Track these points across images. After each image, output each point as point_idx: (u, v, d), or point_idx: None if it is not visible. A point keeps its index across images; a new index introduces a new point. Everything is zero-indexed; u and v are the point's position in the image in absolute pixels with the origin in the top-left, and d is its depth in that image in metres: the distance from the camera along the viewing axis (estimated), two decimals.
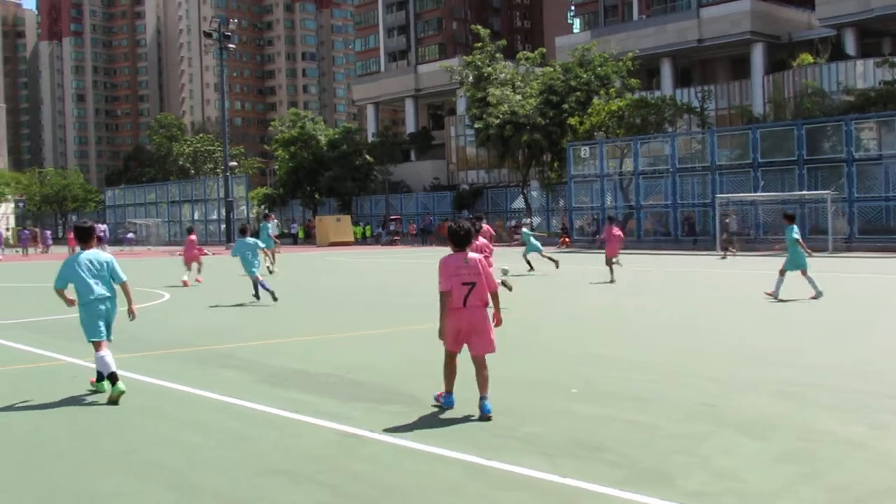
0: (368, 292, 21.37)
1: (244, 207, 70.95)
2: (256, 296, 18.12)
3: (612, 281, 22.10)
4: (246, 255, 18.24)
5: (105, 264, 8.77)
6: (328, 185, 74.78)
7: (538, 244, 26.46)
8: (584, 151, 50.99)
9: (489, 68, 62.87)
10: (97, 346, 8.56)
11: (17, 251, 56.00)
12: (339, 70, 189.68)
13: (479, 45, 63.91)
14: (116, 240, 64.03)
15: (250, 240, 18.61)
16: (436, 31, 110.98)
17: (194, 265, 25.21)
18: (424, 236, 64.28)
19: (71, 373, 9.97)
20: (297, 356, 10.97)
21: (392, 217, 69.97)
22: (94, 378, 8.82)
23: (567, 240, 50.13)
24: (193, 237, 26.38)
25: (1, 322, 15.44)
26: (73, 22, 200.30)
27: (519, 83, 62.27)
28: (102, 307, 8.69)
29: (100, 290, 8.66)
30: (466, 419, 7.28)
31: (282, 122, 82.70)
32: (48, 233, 63.71)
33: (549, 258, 26.82)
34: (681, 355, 10.79)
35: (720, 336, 12.56)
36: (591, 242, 49.88)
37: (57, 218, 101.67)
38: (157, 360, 10.69)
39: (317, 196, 77.89)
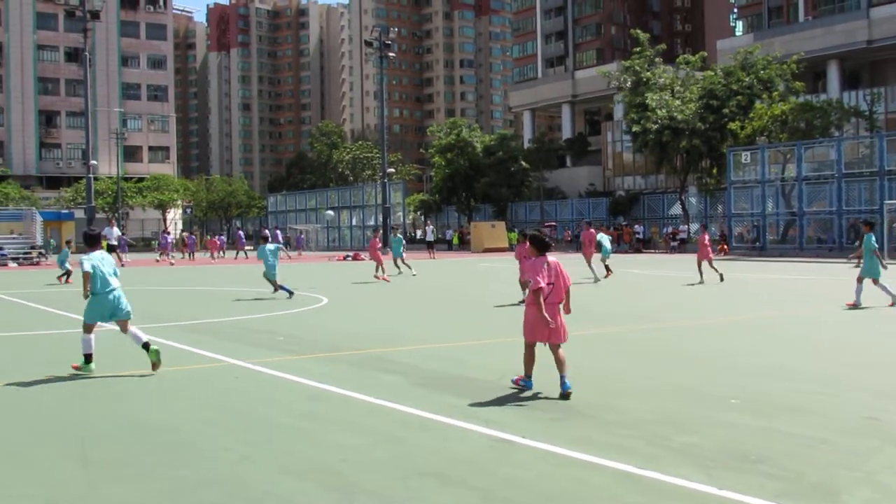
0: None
1: (401, 213, 72.25)
2: (279, 289, 21.42)
3: (701, 282, 24.97)
4: (267, 258, 21.50)
5: (111, 263, 10.56)
6: (483, 192, 75.26)
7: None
8: (745, 157, 49.70)
9: (648, 73, 62.02)
10: (89, 328, 10.30)
11: (181, 255, 58.41)
12: (496, 77, 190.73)
13: (638, 49, 63.13)
14: (286, 242, 65.94)
15: (271, 246, 21.83)
16: (594, 36, 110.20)
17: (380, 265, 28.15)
18: (579, 243, 63.88)
19: (233, 373, 10.38)
20: (450, 361, 11.10)
21: (547, 223, 69.84)
22: (77, 364, 10.36)
23: (725, 247, 48.95)
24: (377, 240, 30.20)
25: (165, 324, 16.16)
26: (240, 33, 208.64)
27: (678, 88, 61.19)
28: (112, 297, 10.32)
29: (113, 282, 10.37)
30: (621, 427, 7.22)
31: (439, 129, 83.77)
32: (222, 237, 65.35)
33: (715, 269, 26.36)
34: (841, 366, 10.39)
35: (885, 347, 12.00)
36: (751, 249, 48.53)
37: (222, 223, 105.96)
38: (317, 363, 11.00)
39: (472, 202, 78.51)
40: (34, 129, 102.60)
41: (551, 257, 8.81)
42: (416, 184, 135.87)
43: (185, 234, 68.83)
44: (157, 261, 50.05)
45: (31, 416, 8.07)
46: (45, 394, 9.20)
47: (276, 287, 21.52)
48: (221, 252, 56.86)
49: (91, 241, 10.71)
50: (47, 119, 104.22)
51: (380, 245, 30.60)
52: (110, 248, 46.85)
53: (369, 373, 10.16)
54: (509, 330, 14.28)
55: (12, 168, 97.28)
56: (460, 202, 79.38)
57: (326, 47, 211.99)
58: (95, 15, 58.03)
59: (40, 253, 50.82)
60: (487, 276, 32.80)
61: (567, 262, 10.10)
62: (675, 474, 5.84)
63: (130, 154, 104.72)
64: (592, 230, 27.59)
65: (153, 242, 71.43)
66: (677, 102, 58.69)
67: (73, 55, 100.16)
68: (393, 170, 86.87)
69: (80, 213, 71.68)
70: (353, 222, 77.34)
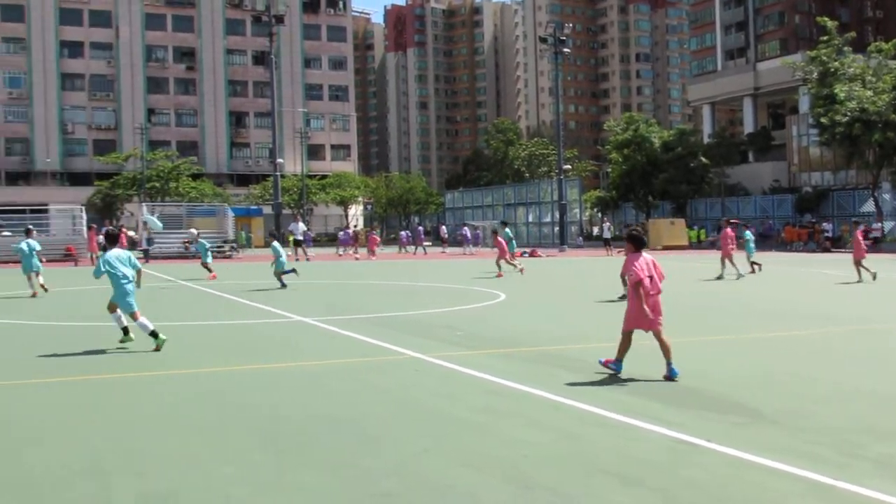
0: (705, 298, 20.88)
1: (577, 210, 71.77)
2: (298, 270, 25.76)
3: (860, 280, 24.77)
4: (280, 256, 24.59)
5: (128, 258, 12.27)
6: (662, 188, 73.81)
7: None
8: None
9: (836, 63, 59.27)
10: (134, 315, 12.00)
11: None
12: (673, 70, 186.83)
13: (825, 38, 60.40)
14: (455, 240, 66.62)
15: (278, 245, 25.07)
16: (777, 25, 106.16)
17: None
18: (763, 241, 61.74)
19: (413, 367, 10.58)
20: (629, 360, 10.96)
21: (731, 220, 67.71)
22: (120, 337, 12.29)
23: None
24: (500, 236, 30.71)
25: (348, 317, 16.60)
26: (416, 33, 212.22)
27: (870, 78, 58.18)
28: (130, 286, 12.07)
29: (129, 273, 12.11)
30: (810, 433, 6.96)
31: (615, 125, 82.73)
32: (404, 233, 66.32)
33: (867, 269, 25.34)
34: None
35: None
36: None
37: (401, 220, 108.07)
38: (495, 359, 11.08)
39: (650, 199, 77.18)
40: (225, 130, 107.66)
41: (647, 254, 9.83)
42: (593, 180, 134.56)
43: (363, 230, 70.63)
44: (339, 255, 51.57)
45: (229, 402, 8.47)
46: (244, 381, 9.63)
47: (282, 280, 24.43)
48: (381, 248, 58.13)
49: (110, 240, 12.53)
50: (237, 120, 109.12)
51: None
52: (296, 243, 48.76)
53: (547, 369, 10.16)
54: (693, 328, 13.96)
55: (206, 167, 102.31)
56: (638, 199, 78.11)
57: (501, 45, 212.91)
58: (280, 19, 60.28)
59: (232, 247, 53.28)
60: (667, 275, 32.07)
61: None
62: (871, 486, 5.57)
63: (314, 152, 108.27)
64: (729, 229, 28.62)
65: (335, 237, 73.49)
66: (869, 93, 55.83)
67: (260, 58, 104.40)
68: (569, 166, 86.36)
69: (268, 209, 74.62)
70: (530, 219, 77.36)
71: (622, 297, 19.52)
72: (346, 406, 8.25)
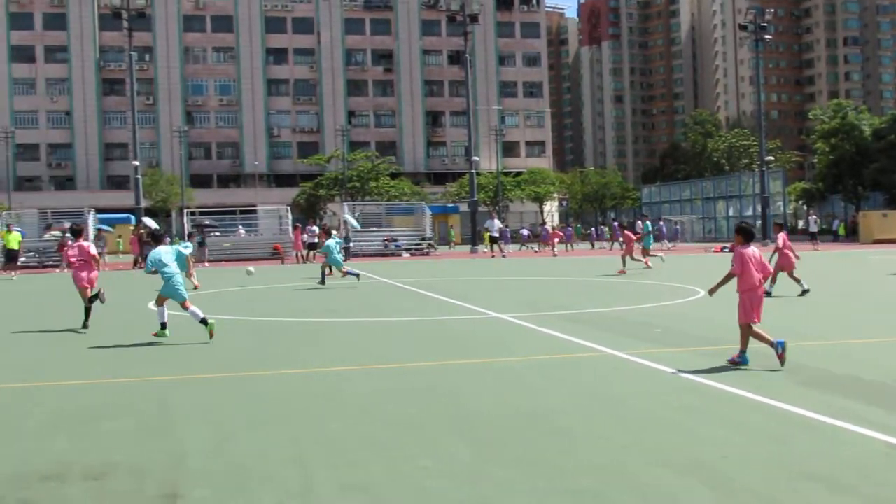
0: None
1: (780, 203, 69.07)
2: (346, 275, 25.10)
3: None
4: (334, 251, 24.99)
5: (175, 252, 13.59)
6: (873, 179, 69.96)
7: None
8: None
9: None
10: (185, 305, 13.15)
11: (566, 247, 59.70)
12: (885, 53, 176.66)
13: None
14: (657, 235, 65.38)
15: (331, 241, 25.49)
16: None
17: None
18: None
19: (611, 364, 10.48)
20: (839, 359, 10.47)
21: None
22: (161, 327, 13.29)
23: None
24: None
25: (543, 313, 16.60)
26: (610, 26, 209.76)
27: None
28: (178, 278, 13.28)
29: (176, 269, 13.34)
30: None
31: (822, 113, 79.03)
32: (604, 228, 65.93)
33: None
34: None
35: None
36: None
37: (596, 215, 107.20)
38: (694, 356, 10.83)
39: (860, 190, 73.31)
40: (422, 129, 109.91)
41: (754, 248, 10.07)
42: (797, 172, 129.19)
43: (557, 226, 70.44)
44: (536, 251, 51.68)
45: (428, 396, 8.65)
46: (443, 376, 9.82)
47: (343, 273, 25.08)
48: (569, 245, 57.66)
49: (156, 239, 14.27)
50: (433, 119, 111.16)
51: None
52: (492, 240, 49.20)
53: (748, 368, 9.83)
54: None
55: (404, 166, 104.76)
56: (846, 190, 74.39)
57: (698, 34, 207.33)
58: (474, 18, 60.94)
59: (430, 244, 54.34)
60: (880, 269, 30.43)
61: None
62: None
63: (508, 149, 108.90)
64: None
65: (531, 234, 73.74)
66: None
67: (455, 58, 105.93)
68: (772, 158, 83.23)
69: (464, 207, 75.66)
70: (730, 213, 75.04)
71: (804, 293, 18.72)
72: (543, 402, 8.26)
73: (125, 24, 55.91)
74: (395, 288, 24.73)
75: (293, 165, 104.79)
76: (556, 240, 50.47)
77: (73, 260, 15.76)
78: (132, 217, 59.26)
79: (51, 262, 44.87)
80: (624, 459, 6.21)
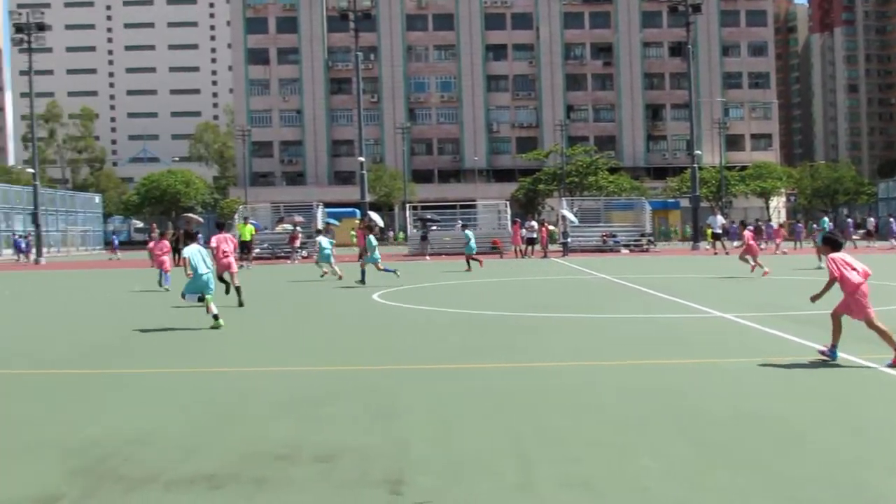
0: None
1: None
2: (385, 271, 26.01)
3: None
4: (374, 249, 25.46)
5: (206, 252, 15.07)
6: None
7: None
8: None
9: None
10: (184, 296, 14.86)
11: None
12: None
13: None
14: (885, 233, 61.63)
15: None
16: None
17: None
18: None
19: (846, 371, 9.93)
20: None
21: None
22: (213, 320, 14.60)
23: None
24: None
25: (768, 314, 15.96)
26: (844, 11, 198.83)
27: None
28: (205, 278, 14.68)
29: (204, 268, 14.67)
30: None
31: None
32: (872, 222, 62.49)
33: None
34: None
35: None
36: None
37: (828, 212, 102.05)
38: None
39: None
40: (642, 123, 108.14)
41: (844, 253, 10.42)
42: None
43: (784, 223, 67.64)
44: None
45: (651, 395, 8.49)
46: (663, 375, 9.62)
47: (379, 269, 25.94)
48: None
49: (188, 238, 15.35)
50: (653, 113, 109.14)
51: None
52: (714, 237, 47.75)
53: None
54: None
55: (623, 160, 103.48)
56: None
57: None
58: (697, 8, 59.25)
59: (649, 241, 53.42)
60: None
61: None
62: None
63: (732, 143, 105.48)
64: None
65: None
66: None
67: (676, 49, 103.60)
68: None
69: (685, 202, 73.91)
70: None
71: None
72: (771, 405, 7.92)
73: (351, 25, 57.97)
74: (613, 284, 24.47)
75: (512, 161, 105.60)
76: (779, 239, 48.43)
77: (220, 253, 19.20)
78: (358, 211, 61.50)
79: (282, 254, 47.19)
80: (856, 470, 5.86)
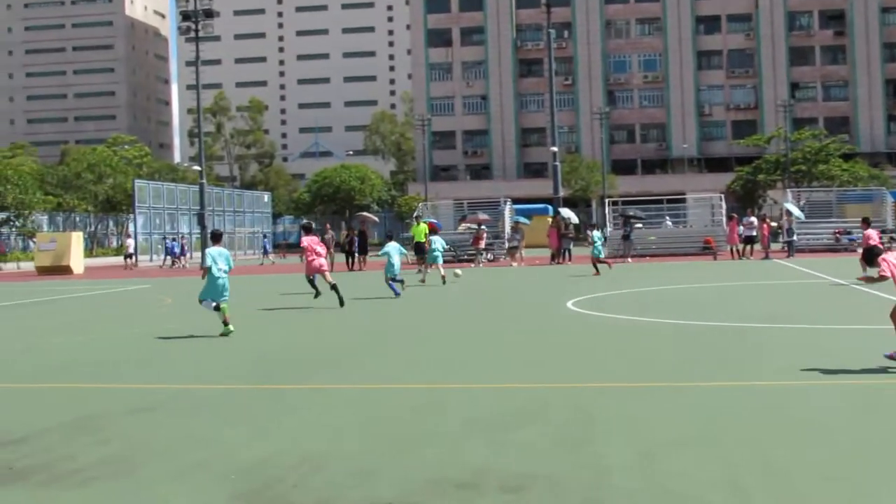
0: None
1: None
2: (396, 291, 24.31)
3: None
4: (392, 258, 24.29)
5: (225, 255, 16.04)
6: None
7: None
8: None
9: None
10: (218, 306, 15.69)
11: None
12: None
13: None
14: None
15: (395, 244, 25.15)
16: None
17: None
18: None
19: None
20: None
21: None
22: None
23: None
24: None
25: None
26: None
27: None
28: (221, 281, 15.75)
29: (219, 271, 15.72)
30: None
31: None
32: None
33: None
34: None
35: None
36: None
37: None
38: None
39: None
40: (881, 102, 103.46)
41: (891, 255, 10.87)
42: None
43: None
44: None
45: (887, 419, 8.14)
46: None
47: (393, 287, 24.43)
48: None
49: (214, 238, 16.43)
50: (894, 89, 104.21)
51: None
52: None
53: None
54: None
55: (859, 145, 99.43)
56: None
57: None
58: None
59: (892, 238, 50.96)
60: None
61: None
62: None
63: None
64: None
65: None
66: None
67: None
68: None
69: None
70: None
71: None
72: None
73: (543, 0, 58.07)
74: (849, 291, 23.50)
75: (727, 147, 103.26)
76: None
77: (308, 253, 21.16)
78: (550, 207, 61.55)
79: (465, 256, 47.37)
80: None
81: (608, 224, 53.66)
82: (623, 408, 8.96)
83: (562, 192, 57.67)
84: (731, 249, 45.43)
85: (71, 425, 8.65)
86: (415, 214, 48.79)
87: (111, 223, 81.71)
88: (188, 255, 58.15)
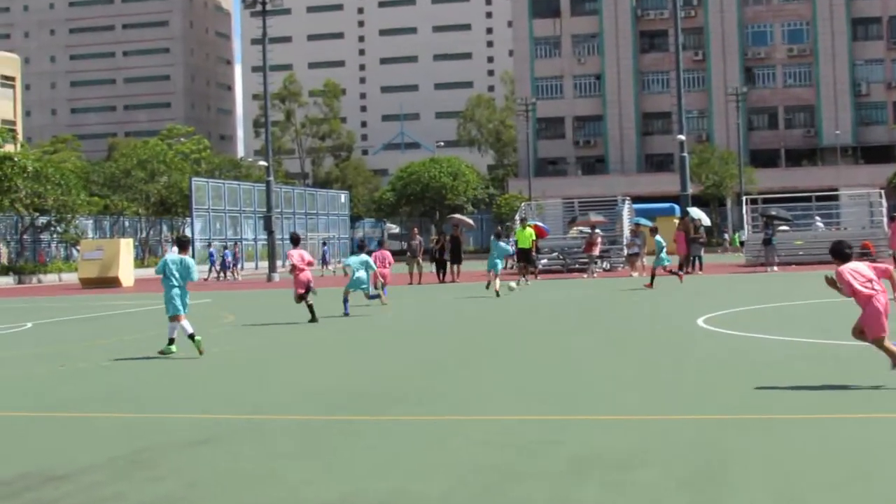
0: None
1: None
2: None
3: None
4: (356, 272, 25.66)
5: (186, 264, 17.38)
6: None
7: None
8: None
9: None
10: (174, 318, 17.02)
11: None
12: None
13: None
14: None
15: (363, 256, 26.34)
16: None
17: None
18: None
19: None
20: None
21: None
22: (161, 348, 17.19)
23: None
24: None
25: None
26: None
27: None
28: (176, 290, 17.15)
29: (175, 281, 17.17)
30: None
31: None
32: None
33: None
34: None
35: None
36: None
37: None
38: None
39: None
40: None
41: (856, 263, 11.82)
42: None
43: None
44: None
45: None
46: None
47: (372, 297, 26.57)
48: None
49: (180, 245, 18.36)
50: None
51: None
52: None
53: None
54: None
55: None
56: None
57: None
58: None
59: None
60: None
61: None
62: None
63: None
64: None
65: None
66: None
67: None
68: None
69: None
70: None
71: None
72: None
73: None
74: None
75: (888, 134, 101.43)
76: None
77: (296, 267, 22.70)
78: (676, 207, 61.09)
79: (577, 266, 47.11)
80: None
81: (746, 226, 53.02)
82: (761, 443, 8.88)
83: (690, 189, 57.21)
84: (893, 255, 44.48)
85: (120, 460, 8.84)
86: (518, 217, 48.84)
87: (165, 228, 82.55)
88: (240, 265, 58.50)
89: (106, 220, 75.50)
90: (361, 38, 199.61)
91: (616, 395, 12.06)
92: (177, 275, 17.25)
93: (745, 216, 54.14)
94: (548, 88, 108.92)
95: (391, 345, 18.82)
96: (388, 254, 31.73)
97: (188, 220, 68.57)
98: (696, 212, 52.21)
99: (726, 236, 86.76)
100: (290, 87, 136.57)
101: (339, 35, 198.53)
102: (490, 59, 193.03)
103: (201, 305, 31.85)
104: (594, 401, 11.67)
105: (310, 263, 23.65)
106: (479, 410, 11.17)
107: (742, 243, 57.72)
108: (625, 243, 47.91)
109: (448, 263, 42.91)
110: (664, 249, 33.69)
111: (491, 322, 22.74)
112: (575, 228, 51.66)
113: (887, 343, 11.37)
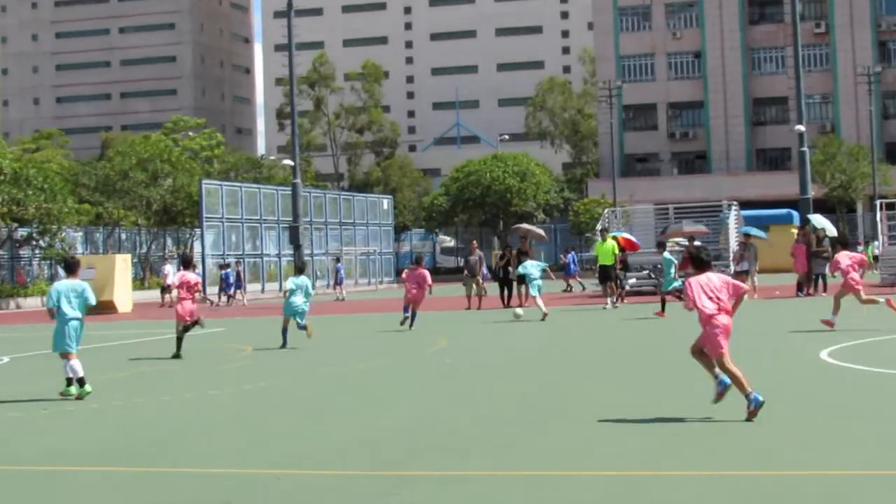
0: None
1: None
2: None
3: None
4: (293, 295, 26.66)
5: (79, 290, 17.45)
6: None
7: None
8: None
9: None
10: (66, 356, 17.27)
11: None
12: None
13: None
14: None
15: (297, 280, 27.46)
16: None
17: None
18: None
19: None
20: None
21: None
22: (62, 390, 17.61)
23: None
24: None
25: None
26: None
27: None
28: (73, 323, 17.38)
29: (72, 312, 17.37)
30: None
31: None
32: None
33: None
34: None
35: None
36: None
37: None
38: None
39: None
40: None
41: (712, 274, 13.32)
42: None
43: None
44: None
45: None
46: None
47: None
48: None
49: (68, 269, 18.24)
50: None
51: None
52: None
53: None
54: None
55: None
56: None
57: None
58: None
59: None
60: None
61: None
62: None
63: None
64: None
65: None
66: None
67: None
68: None
69: None
70: None
71: None
72: None
73: None
74: None
75: None
76: None
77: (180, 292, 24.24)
78: (794, 214, 60.68)
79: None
80: None
81: (881, 236, 52.60)
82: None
83: (812, 192, 56.90)
84: None
85: None
86: (599, 227, 48.62)
87: (169, 241, 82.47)
88: (243, 288, 58.11)
89: (98, 231, 75.72)
90: (408, 10, 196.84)
91: (714, 442, 12.04)
92: (74, 305, 17.41)
93: (879, 224, 53.71)
94: (636, 69, 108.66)
95: (453, 383, 18.83)
96: (425, 273, 31.90)
97: (197, 231, 68.55)
98: (819, 219, 51.65)
99: (860, 248, 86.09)
100: (320, 70, 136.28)
101: (381, 5, 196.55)
102: (565, 34, 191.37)
103: (212, 336, 32.00)
104: (688, 453, 11.64)
105: (196, 290, 25.03)
106: (559, 464, 11.18)
107: (876, 258, 57.25)
108: (731, 258, 47.63)
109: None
110: (674, 266, 33.61)
111: (563, 351, 22.74)
112: (670, 240, 51.16)
113: (727, 362, 12.91)
